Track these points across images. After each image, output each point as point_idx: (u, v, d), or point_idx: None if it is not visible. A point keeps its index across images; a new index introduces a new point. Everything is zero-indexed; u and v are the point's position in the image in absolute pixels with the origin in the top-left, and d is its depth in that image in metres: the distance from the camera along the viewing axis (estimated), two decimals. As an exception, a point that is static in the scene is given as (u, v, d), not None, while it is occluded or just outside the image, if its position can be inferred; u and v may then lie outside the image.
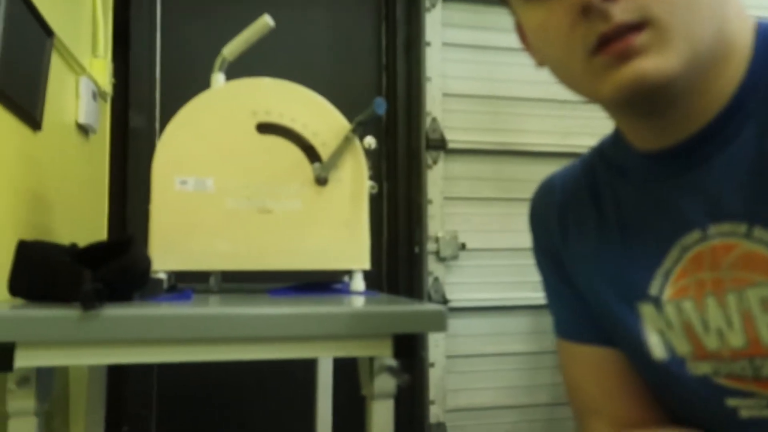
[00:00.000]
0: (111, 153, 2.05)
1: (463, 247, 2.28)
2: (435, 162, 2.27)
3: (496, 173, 2.35)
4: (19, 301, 0.96)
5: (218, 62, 1.27)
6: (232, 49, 1.27)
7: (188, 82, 2.12)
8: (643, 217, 0.63)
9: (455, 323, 2.26)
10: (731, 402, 0.58)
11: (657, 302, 0.61)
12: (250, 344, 0.93)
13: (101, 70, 1.85)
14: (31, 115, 1.32)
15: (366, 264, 1.21)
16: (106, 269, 0.90)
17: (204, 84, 1.26)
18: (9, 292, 0.96)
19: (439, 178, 2.27)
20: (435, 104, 2.28)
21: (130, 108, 2.09)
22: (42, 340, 0.84)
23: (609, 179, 0.69)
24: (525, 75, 2.39)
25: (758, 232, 0.54)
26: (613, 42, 0.52)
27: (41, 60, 1.39)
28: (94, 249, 1.00)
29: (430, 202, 2.25)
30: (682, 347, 0.60)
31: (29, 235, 1.27)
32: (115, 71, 2.00)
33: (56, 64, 1.48)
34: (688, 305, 0.59)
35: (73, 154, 1.69)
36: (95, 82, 1.80)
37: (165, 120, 1.95)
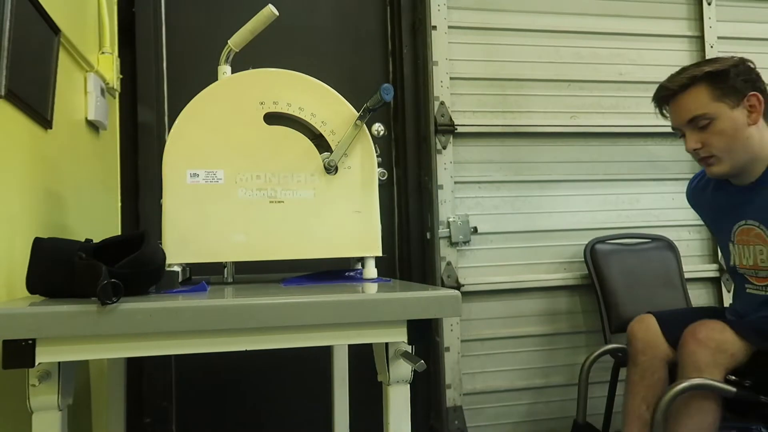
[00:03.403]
0: (121, 148, 2.06)
1: (474, 230, 2.28)
2: (444, 146, 2.27)
3: (506, 156, 2.34)
4: (37, 298, 0.97)
5: (224, 54, 1.27)
6: (237, 40, 1.26)
7: (195, 75, 2.13)
8: (732, 208, 1.59)
9: (469, 307, 2.26)
10: (747, 285, 1.60)
11: (733, 243, 1.60)
12: (266, 334, 0.94)
13: (108, 65, 1.85)
14: (41, 114, 1.33)
15: (378, 251, 1.21)
16: (121, 264, 0.91)
17: (211, 76, 1.26)
18: (27, 290, 0.97)
19: (449, 163, 2.26)
20: (442, 88, 2.27)
21: (139, 103, 2.10)
22: (62, 336, 0.86)
23: (721, 189, 1.63)
24: (531, 56, 2.38)
25: (763, 226, 1.51)
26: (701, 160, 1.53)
27: (49, 58, 1.39)
28: (109, 245, 1.00)
29: (441, 186, 2.24)
30: (739, 261, 1.60)
31: (44, 233, 1.29)
32: (122, 66, 2.01)
33: (64, 61, 1.49)
34: (739, 247, 1.58)
35: (85, 151, 1.70)
36: (103, 78, 1.80)
37: (173, 113, 1.96)
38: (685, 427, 1.43)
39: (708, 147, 1.47)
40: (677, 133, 1.56)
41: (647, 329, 1.61)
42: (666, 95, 1.53)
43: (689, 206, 1.82)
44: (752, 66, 1.48)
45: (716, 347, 1.41)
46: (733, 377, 1.42)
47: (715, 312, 1.71)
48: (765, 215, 1.50)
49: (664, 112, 1.56)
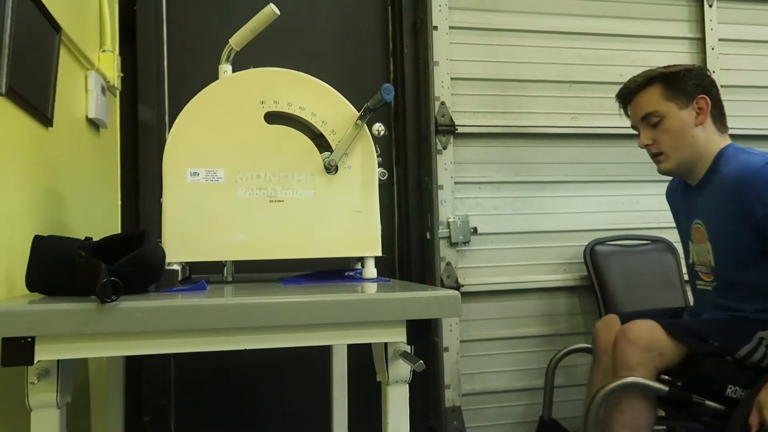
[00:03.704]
0: (121, 147, 2.06)
1: (474, 231, 2.28)
2: (445, 147, 2.27)
3: (506, 156, 2.34)
4: (36, 296, 0.97)
5: (225, 53, 1.27)
6: (238, 39, 1.26)
7: (196, 74, 2.12)
8: (688, 208, 1.66)
9: (468, 307, 2.26)
10: (698, 281, 1.66)
11: (692, 242, 1.65)
12: (265, 333, 0.94)
13: (109, 64, 1.85)
14: (42, 112, 1.33)
15: (377, 251, 1.21)
16: (121, 263, 0.91)
17: (211, 75, 1.26)
18: (27, 288, 0.97)
19: (449, 163, 2.26)
20: (443, 88, 2.27)
21: (139, 101, 2.10)
22: (61, 334, 0.86)
23: (685, 190, 1.70)
24: (532, 57, 2.38)
25: (704, 225, 1.58)
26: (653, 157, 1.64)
27: (50, 56, 1.39)
28: (109, 243, 1.00)
29: (441, 187, 2.24)
30: (695, 258, 1.65)
31: (44, 231, 1.28)
32: (123, 65, 2.01)
33: (65, 59, 1.49)
34: (695, 245, 1.64)
35: (85, 149, 1.70)
36: (104, 77, 1.80)
37: (174, 112, 1.96)
38: (617, 424, 1.46)
39: (658, 144, 1.58)
40: (636, 131, 1.65)
41: (609, 329, 1.65)
42: (626, 94, 1.64)
43: None
44: (707, 73, 1.60)
45: (645, 346, 1.44)
46: (667, 377, 1.44)
47: (678, 313, 1.73)
48: (706, 215, 1.57)
49: (628, 111, 1.67)
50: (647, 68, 1.63)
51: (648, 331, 1.46)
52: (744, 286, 1.52)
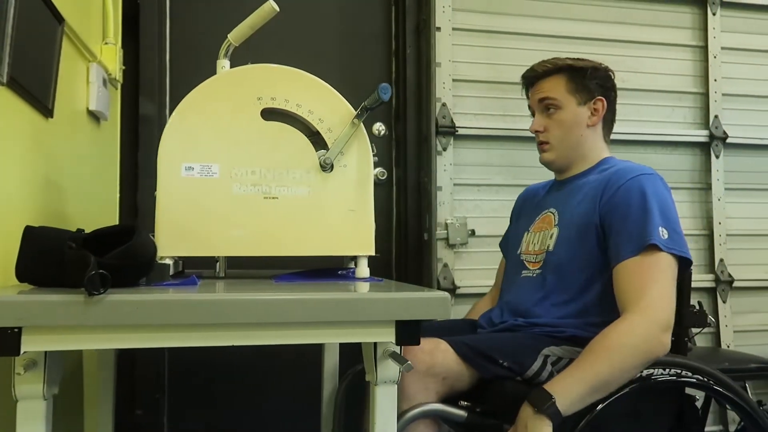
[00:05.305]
0: (122, 140, 2.07)
1: (472, 233, 2.27)
2: (445, 148, 2.26)
3: (506, 159, 2.34)
4: (26, 286, 0.97)
5: (224, 48, 1.27)
6: (237, 34, 1.26)
7: (198, 68, 2.11)
8: (544, 201, 1.62)
9: (464, 309, 2.26)
10: (524, 270, 1.53)
11: (528, 232, 1.59)
12: (256, 329, 0.94)
13: (111, 56, 1.85)
14: (42, 103, 1.33)
15: (371, 250, 1.21)
16: (111, 255, 0.91)
17: (214, 70, 1.26)
18: (16, 278, 0.97)
19: (449, 164, 2.26)
20: (445, 90, 2.27)
21: (141, 95, 2.10)
22: (48, 325, 0.86)
23: (549, 189, 1.67)
24: (534, 60, 2.36)
25: (557, 212, 1.52)
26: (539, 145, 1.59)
27: (52, 47, 1.40)
28: (100, 235, 1.00)
29: (440, 188, 2.24)
30: (525, 248, 1.57)
31: (41, 222, 1.29)
32: (125, 58, 2.01)
33: (67, 51, 1.49)
34: (533, 234, 1.56)
35: (85, 141, 1.71)
36: (105, 69, 1.80)
37: (175, 106, 1.96)
38: None
39: (547, 133, 1.56)
40: (531, 114, 1.64)
41: None
42: (532, 77, 1.61)
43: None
44: (611, 75, 1.58)
45: (425, 371, 1.25)
46: (466, 402, 1.29)
47: (468, 324, 1.64)
48: (564, 203, 1.51)
49: (528, 93, 1.64)
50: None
51: (429, 354, 1.26)
52: (570, 278, 1.42)
